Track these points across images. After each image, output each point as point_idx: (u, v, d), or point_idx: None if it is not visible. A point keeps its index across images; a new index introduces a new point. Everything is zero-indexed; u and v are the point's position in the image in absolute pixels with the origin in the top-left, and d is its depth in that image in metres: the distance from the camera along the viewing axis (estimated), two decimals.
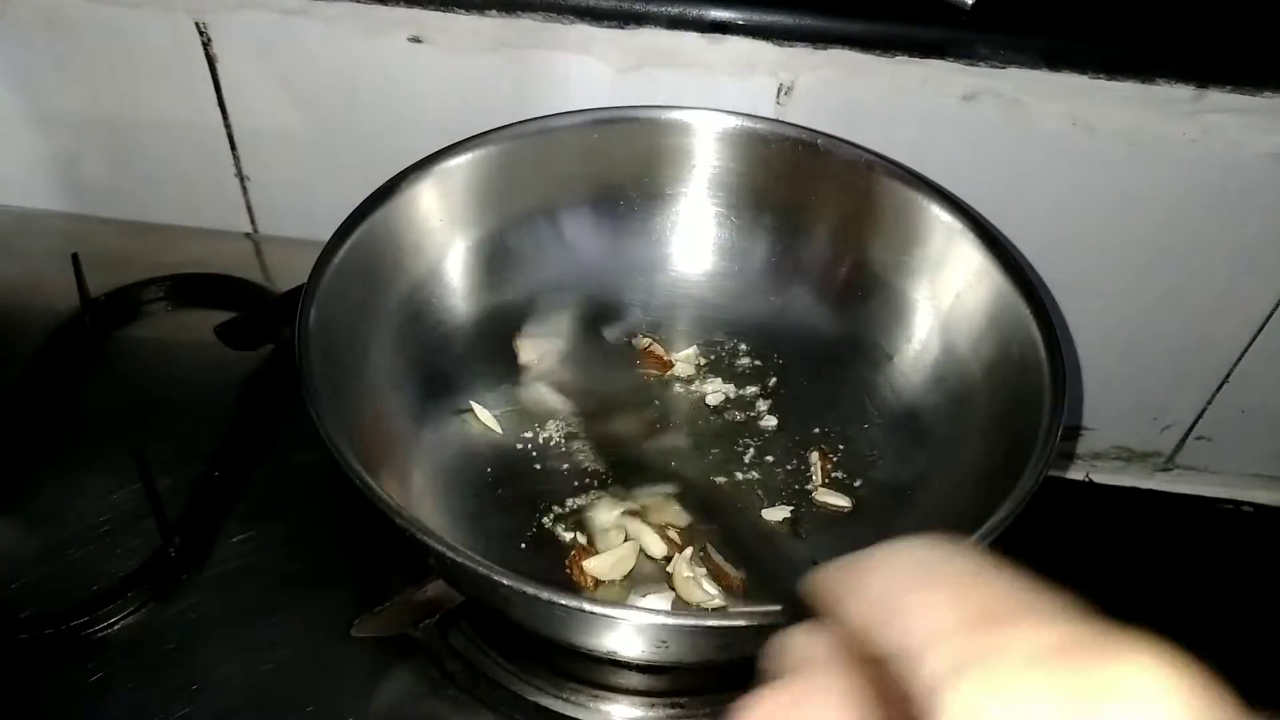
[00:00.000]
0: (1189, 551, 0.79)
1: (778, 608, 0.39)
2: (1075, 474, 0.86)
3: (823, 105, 0.66)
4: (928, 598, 0.18)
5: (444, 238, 0.60)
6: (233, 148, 0.75)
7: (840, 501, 0.56)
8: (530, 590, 0.37)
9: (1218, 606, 0.74)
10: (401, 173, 0.57)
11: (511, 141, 0.60)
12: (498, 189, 0.61)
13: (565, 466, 0.58)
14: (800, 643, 0.21)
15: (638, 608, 0.37)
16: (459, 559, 0.39)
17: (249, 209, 0.80)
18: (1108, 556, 0.77)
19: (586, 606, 0.37)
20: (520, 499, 0.56)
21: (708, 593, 0.50)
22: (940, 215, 0.59)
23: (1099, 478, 0.86)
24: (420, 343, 0.59)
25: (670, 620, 0.38)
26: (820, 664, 0.20)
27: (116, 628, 0.53)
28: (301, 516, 0.58)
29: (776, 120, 0.64)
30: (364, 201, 0.55)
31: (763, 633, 0.39)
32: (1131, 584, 0.75)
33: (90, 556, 0.55)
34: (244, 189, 0.78)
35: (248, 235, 0.80)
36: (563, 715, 0.50)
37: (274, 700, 0.50)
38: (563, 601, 0.37)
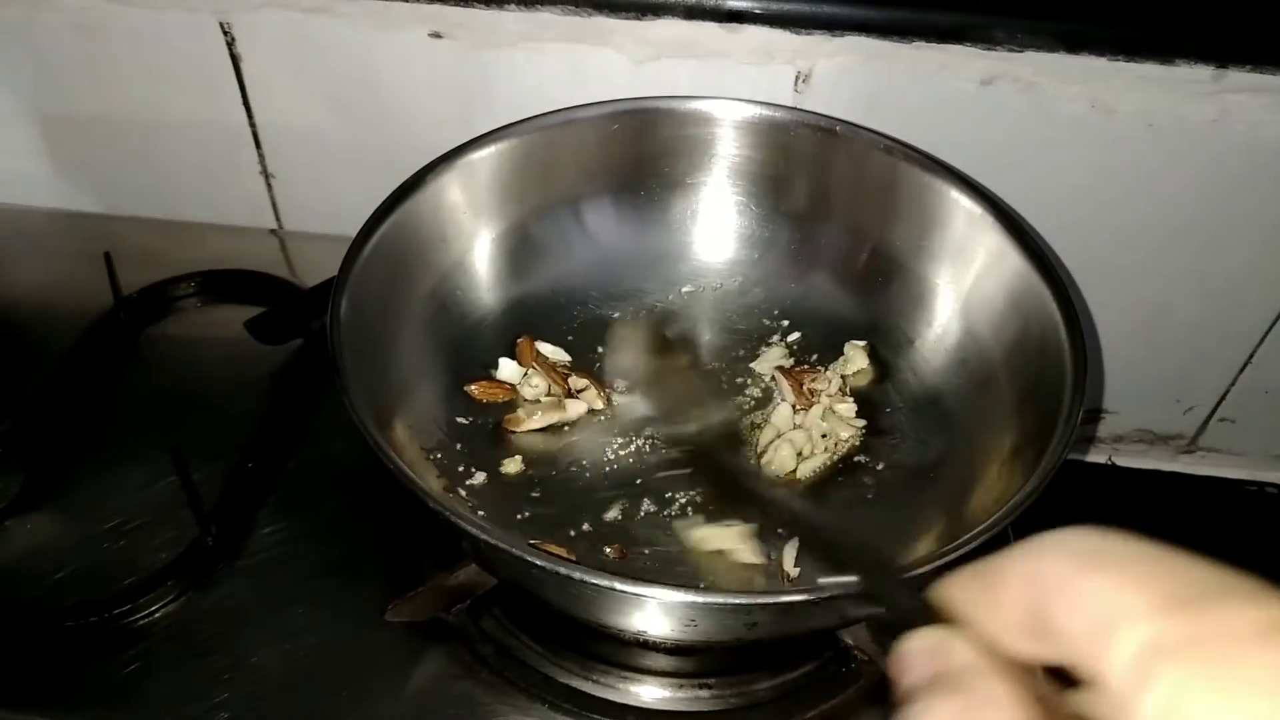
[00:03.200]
0: (1213, 534, 0.79)
1: (805, 589, 0.40)
2: (1097, 457, 0.86)
3: (840, 92, 0.66)
4: (1101, 581, 0.17)
5: (469, 229, 0.61)
6: (257, 145, 0.77)
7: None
8: (563, 570, 0.38)
9: None
10: (427, 166, 0.58)
11: (534, 134, 0.61)
12: (521, 181, 0.62)
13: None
14: (939, 650, 0.20)
15: (667, 585, 0.38)
16: (492, 540, 0.40)
17: (274, 205, 0.81)
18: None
19: (618, 585, 0.38)
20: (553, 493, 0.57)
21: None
22: (960, 200, 0.60)
23: (1121, 460, 0.86)
24: (447, 333, 0.60)
25: (698, 598, 0.38)
26: (975, 672, 0.19)
27: (156, 616, 0.54)
28: (333, 505, 0.59)
29: (795, 108, 0.64)
30: (391, 195, 0.56)
31: (792, 611, 0.41)
32: None
33: (129, 547, 0.57)
34: (269, 186, 0.80)
35: (273, 231, 0.82)
36: (593, 696, 0.51)
37: (309, 685, 0.51)
38: (594, 580, 0.38)
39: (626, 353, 0.61)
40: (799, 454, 0.58)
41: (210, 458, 0.60)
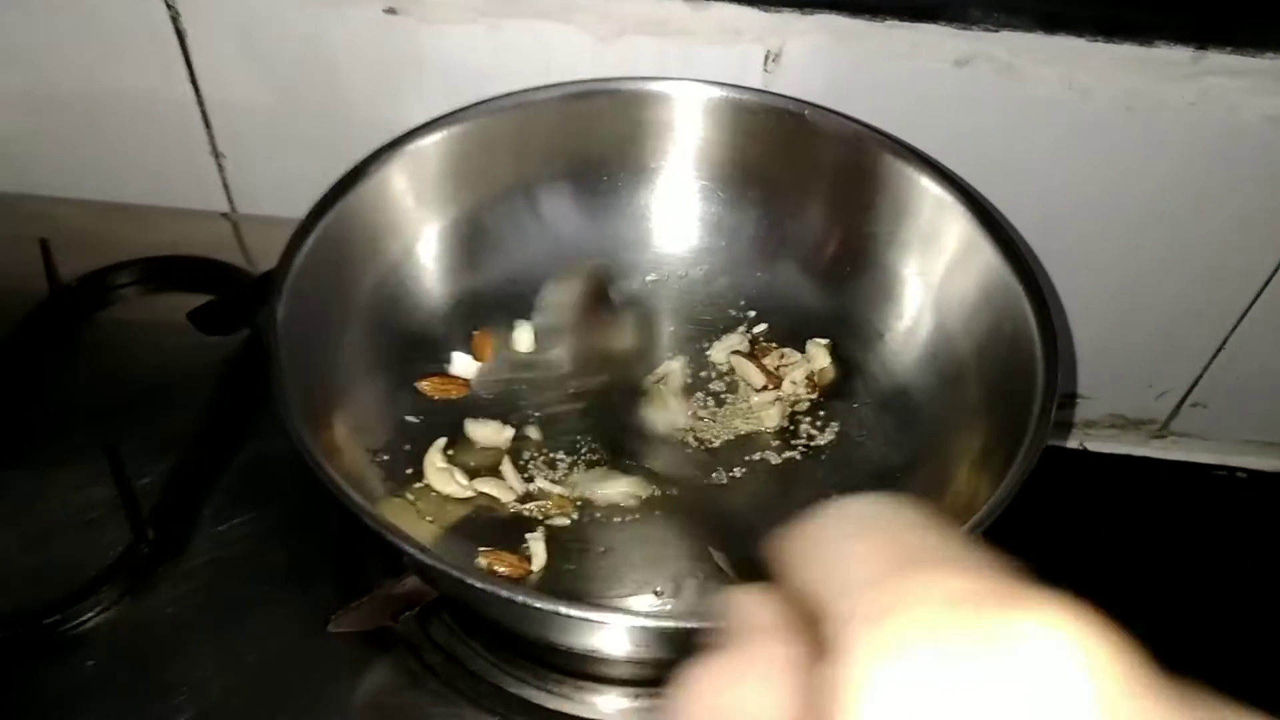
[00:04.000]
0: (1183, 518, 0.79)
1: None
2: (1070, 442, 0.85)
3: (811, 72, 0.64)
4: (863, 547, 0.18)
5: (418, 219, 0.58)
6: (207, 125, 0.73)
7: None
8: (504, 593, 0.36)
9: (1212, 572, 0.74)
10: (371, 155, 0.55)
11: (486, 118, 0.58)
12: (473, 167, 0.59)
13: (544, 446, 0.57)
14: (747, 606, 0.20)
15: (615, 610, 0.36)
16: (429, 560, 0.38)
17: (226, 187, 0.77)
18: (1102, 524, 0.77)
19: (563, 609, 0.36)
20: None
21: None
22: (930, 188, 0.57)
23: (1093, 445, 0.85)
24: (397, 327, 0.57)
25: (647, 624, 0.37)
26: (766, 629, 0.19)
27: (91, 625, 0.52)
28: (280, 506, 0.57)
29: (762, 91, 0.62)
30: (333, 186, 0.53)
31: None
32: (1126, 551, 0.75)
33: (64, 552, 0.54)
34: (220, 167, 0.76)
35: (225, 215, 0.78)
36: (545, 708, 0.49)
37: (252, 697, 0.49)
38: (538, 605, 0.36)
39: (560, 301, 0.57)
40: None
41: (152, 456, 0.57)
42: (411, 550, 0.38)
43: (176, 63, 0.69)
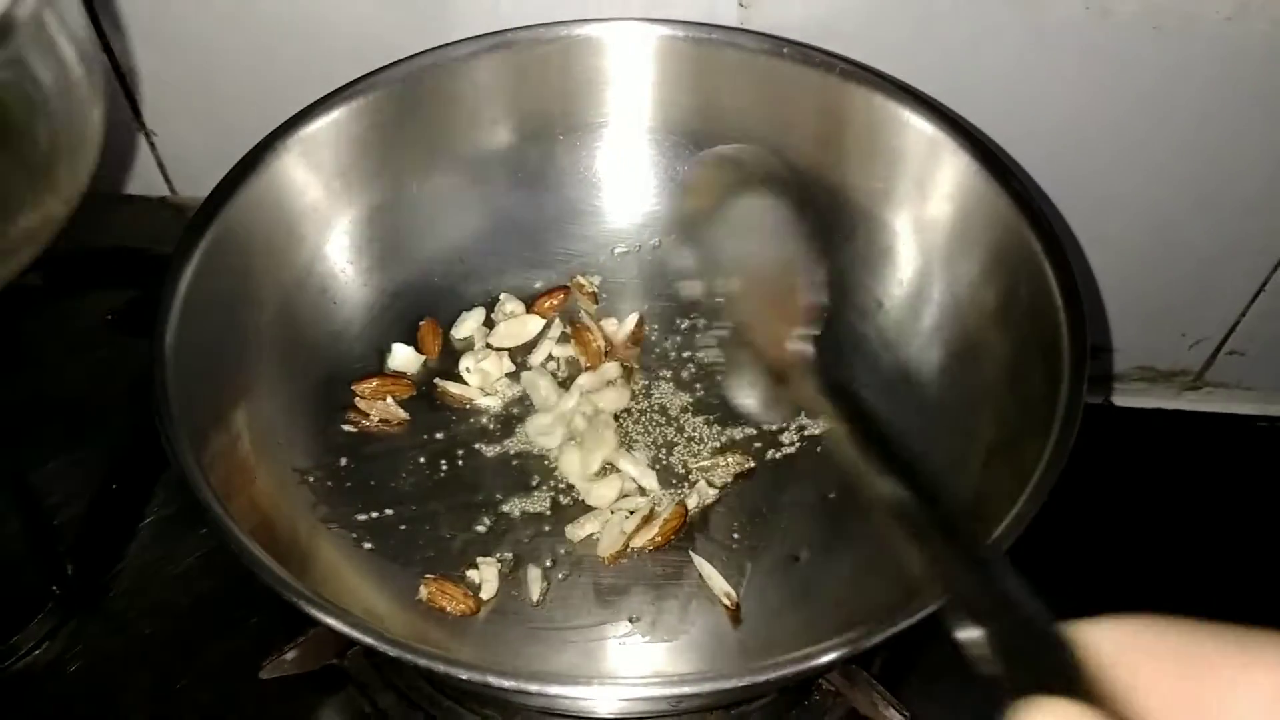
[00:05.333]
0: (1222, 474, 0.74)
1: (720, 681, 0.32)
2: (1095, 398, 0.80)
3: (792, 7, 0.57)
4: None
5: (330, 209, 0.52)
6: (129, 97, 0.67)
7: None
8: (424, 663, 0.30)
9: (1255, 531, 0.69)
10: (259, 144, 0.48)
11: (397, 85, 0.51)
12: (387, 143, 0.52)
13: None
14: None
15: (576, 685, 0.30)
16: (335, 624, 0.32)
17: (161, 168, 0.71)
18: (1134, 484, 0.72)
19: (493, 680, 0.30)
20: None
21: None
22: (925, 129, 0.51)
23: (1121, 400, 0.80)
24: (322, 328, 0.51)
25: (616, 696, 0.31)
26: None
27: (6, 675, 0.47)
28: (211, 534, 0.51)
29: (733, 28, 0.55)
30: (213, 192, 0.46)
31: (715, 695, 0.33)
32: (1161, 512, 0.69)
33: None
34: (152, 146, 0.70)
35: (164, 199, 0.72)
36: None
37: None
38: (464, 675, 0.30)
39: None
40: None
41: (69, 483, 0.52)
42: (314, 613, 0.32)
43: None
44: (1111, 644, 0.20)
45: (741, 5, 0.58)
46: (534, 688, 0.30)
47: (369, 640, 0.31)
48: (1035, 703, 0.19)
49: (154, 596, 0.50)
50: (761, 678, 0.30)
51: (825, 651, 0.32)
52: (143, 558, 0.51)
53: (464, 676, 0.30)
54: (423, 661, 0.30)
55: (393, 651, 0.31)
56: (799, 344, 0.37)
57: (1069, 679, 0.19)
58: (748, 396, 0.42)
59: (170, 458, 0.38)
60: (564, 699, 0.31)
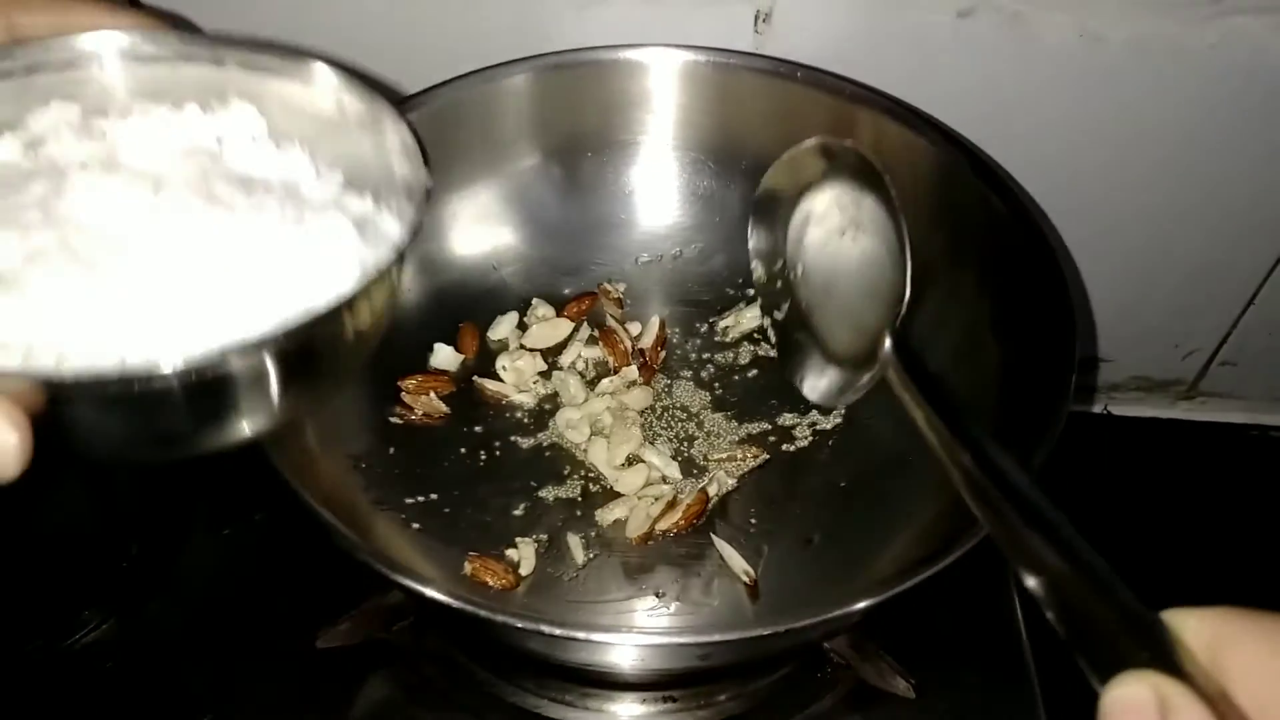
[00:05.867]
0: (1216, 481, 0.76)
1: (762, 630, 0.35)
2: (1093, 407, 0.82)
3: (805, 31, 0.60)
4: None
5: None
6: None
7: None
8: (484, 614, 0.34)
9: (1250, 538, 0.71)
10: None
11: (446, 103, 0.54)
12: (434, 158, 0.55)
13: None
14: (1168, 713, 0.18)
15: (610, 630, 0.34)
16: (402, 580, 0.35)
17: None
18: (1130, 491, 0.74)
19: (545, 629, 0.34)
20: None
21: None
22: (925, 146, 0.54)
23: (1118, 409, 0.82)
24: None
25: (648, 641, 0.34)
26: None
27: (79, 647, 0.50)
28: (271, 515, 0.55)
29: (749, 54, 0.58)
30: None
31: (754, 644, 0.37)
32: (1157, 518, 0.72)
33: (48, 573, 0.52)
34: None
35: None
36: (548, 718, 0.47)
37: (246, 716, 0.48)
38: (520, 625, 0.34)
39: None
40: None
41: (135, 470, 0.55)
42: (382, 569, 0.36)
43: None
44: (1203, 632, 0.20)
45: (757, 32, 0.62)
46: (581, 635, 0.34)
47: (440, 597, 0.35)
48: (1132, 675, 0.19)
49: (214, 573, 0.53)
50: (783, 626, 0.34)
51: (850, 602, 0.35)
52: (204, 536, 0.54)
53: (519, 625, 0.34)
54: (484, 613, 0.34)
55: (456, 604, 0.34)
56: (883, 333, 0.39)
57: (1165, 656, 0.19)
58: (817, 380, 0.44)
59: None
60: (609, 646, 0.34)
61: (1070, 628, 0.23)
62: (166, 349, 0.26)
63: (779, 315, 0.48)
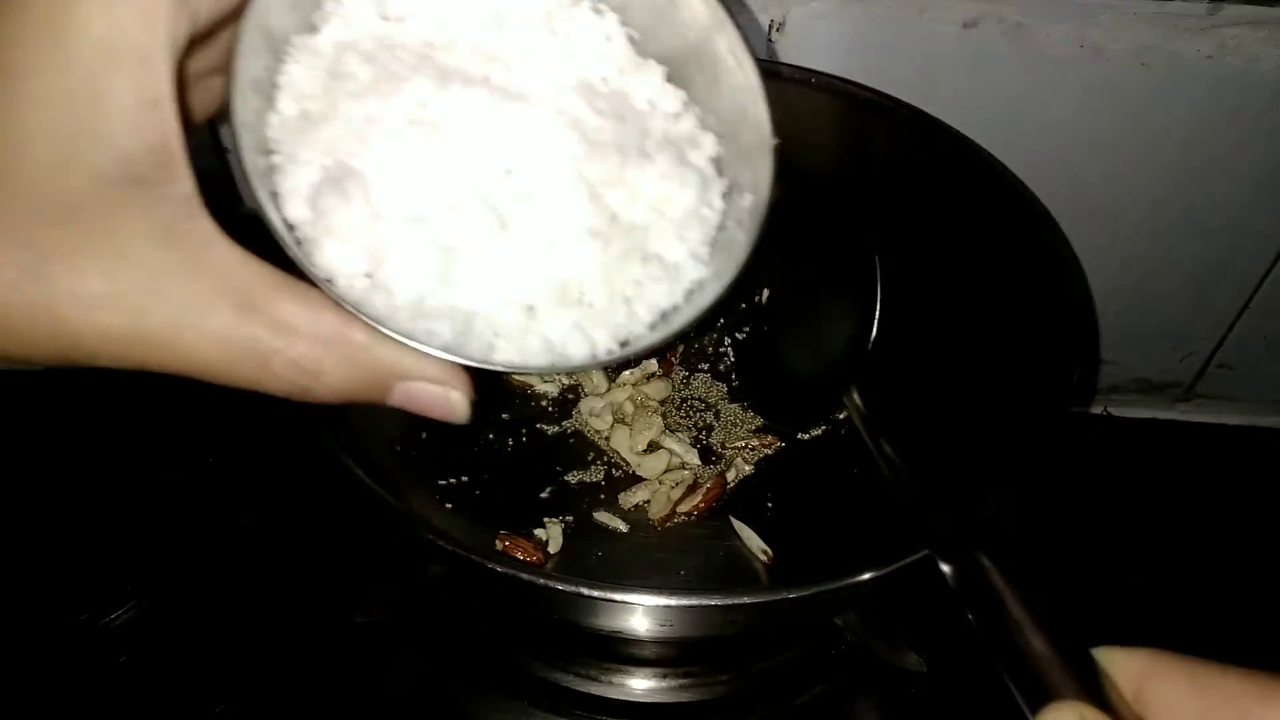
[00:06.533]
0: (1213, 482, 0.77)
1: (788, 593, 0.37)
2: (1093, 408, 0.84)
3: (817, 41, 0.62)
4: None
5: None
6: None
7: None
8: (526, 576, 0.36)
9: (1246, 538, 0.72)
10: None
11: None
12: None
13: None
14: None
15: (639, 589, 0.36)
16: (451, 547, 0.37)
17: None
18: (1129, 491, 0.75)
19: (585, 590, 0.36)
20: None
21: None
22: (934, 148, 0.56)
23: (1117, 411, 0.84)
24: None
25: (672, 601, 0.36)
26: None
27: (120, 622, 0.52)
28: (305, 498, 0.57)
29: (765, 60, 0.60)
30: None
31: (767, 611, 0.38)
32: (1155, 518, 0.73)
33: (92, 551, 0.54)
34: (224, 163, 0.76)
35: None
36: (574, 691, 0.49)
37: (282, 691, 0.49)
38: (560, 586, 0.36)
39: None
40: None
41: (175, 456, 0.57)
42: (432, 536, 0.38)
43: None
44: (1129, 668, 0.21)
45: (771, 41, 0.64)
46: (618, 596, 0.36)
47: (491, 565, 0.37)
48: (1061, 705, 0.20)
49: (250, 551, 0.55)
50: (805, 591, 0.36)
51: (862, 571, 0.37)
52: (242, 518, 0.56)
53: (560, 588, 0.36)
54: (526, 576, 0.36)
55: (503, 569, 0.36)
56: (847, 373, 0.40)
57: (1091, 689, 0.20)
58: (772, 405, 0.46)
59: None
60: (642, 608, 0.36)
61: (1006, 658, 0.24)
62: (600, 341, 0.27)
63: (740, 336, 0.50)
